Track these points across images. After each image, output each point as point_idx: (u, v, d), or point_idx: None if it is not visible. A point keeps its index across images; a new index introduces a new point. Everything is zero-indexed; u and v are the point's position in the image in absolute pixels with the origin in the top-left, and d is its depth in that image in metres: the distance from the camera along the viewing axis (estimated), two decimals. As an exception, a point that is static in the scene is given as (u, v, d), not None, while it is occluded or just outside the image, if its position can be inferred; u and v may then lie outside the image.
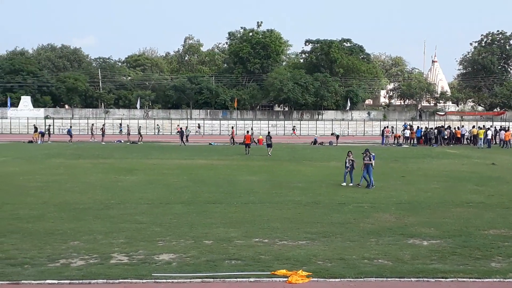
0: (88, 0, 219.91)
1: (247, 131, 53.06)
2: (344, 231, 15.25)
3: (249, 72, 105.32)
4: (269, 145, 42.95)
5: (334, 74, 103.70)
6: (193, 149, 49.65)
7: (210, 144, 57.61)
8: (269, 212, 18.25)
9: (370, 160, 24.23)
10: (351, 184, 24.70)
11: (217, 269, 11.49)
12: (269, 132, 48.24)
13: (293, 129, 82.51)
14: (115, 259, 12.16)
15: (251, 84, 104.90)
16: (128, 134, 64.93)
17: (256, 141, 56.18)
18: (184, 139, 57.42)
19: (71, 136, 61.67)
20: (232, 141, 58.17)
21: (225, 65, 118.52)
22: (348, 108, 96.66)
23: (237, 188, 23.91)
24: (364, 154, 24.53)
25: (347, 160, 24.87)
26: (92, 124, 71.52)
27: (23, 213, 17.37)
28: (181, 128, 61.74)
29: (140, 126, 69.25)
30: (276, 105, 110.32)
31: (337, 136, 61.49)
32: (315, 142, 59.54)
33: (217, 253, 12.71)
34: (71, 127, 68.46)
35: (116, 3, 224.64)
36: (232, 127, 64.59)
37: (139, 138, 61.47)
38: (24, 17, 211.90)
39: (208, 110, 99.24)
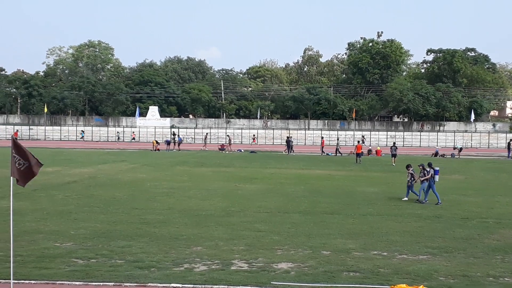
0: (212, 15, 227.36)
1: (358, 141, 55.51)
2: (467, 247, 14.74)
3: (368, 82, 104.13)
4: (394, 155, 45.52)
5: (457, 84, 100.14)
6: (310, 159, 49.81)
7: (327, 154, 57.50)
8: (388, 224, 18.00)
9: (425, 176, 23.21)
10: (405, 199, 23.85)
11: (335, 280, 11.52)
12: (394, 143, 50.27)
13: (363, 140, 79.85)
14: (236, 265, 12.52)
15: (369, 95, 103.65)
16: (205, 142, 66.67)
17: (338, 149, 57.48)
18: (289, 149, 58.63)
19: (178, 145, 63.50)
20: (336, 151, 58.04)
21: (344, 75, 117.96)
22: (471, 119, 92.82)
23: (355, 199, 23.75)
24: (421, 169, 23.56)
25: (407, 174, 24.12)
26: (206, 133, 73.86)
27: (150, 218, 18.30)
28: (288, 137, 62.25)
29: (228, 135, 71.00)
30: (396, 115, 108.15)
31: (460, 149, 59.23)
32: (436, 154, 57.76)
33: (335, 264, 12.74)
34: (178, 136, 70.65)
35: (239, 17, 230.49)
36: (322, 137, 65.36)
37: (227, 147, 62.94)
38: (153, 31, 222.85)
39: (326, 121, 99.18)
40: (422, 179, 23.25)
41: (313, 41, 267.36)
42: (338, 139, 62.75)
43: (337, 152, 57.16)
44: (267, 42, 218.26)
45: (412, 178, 23.75)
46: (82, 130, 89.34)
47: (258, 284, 11.17)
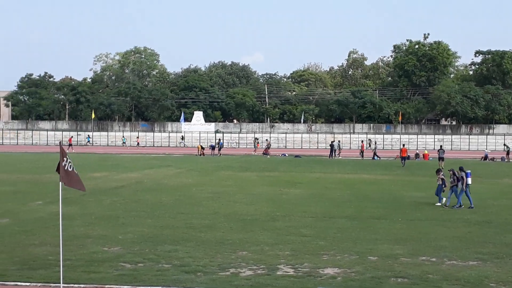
0: (256, 20, 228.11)
1: (403, 145, 54.84)
2: (519, 253, 14.33)
3: (414, 85, 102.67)
4: (441, 159, 45.45)
5: (507, 86, 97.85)
6: (356, 164, 49.39)
7: (373, 158, 56.92)
8: (436, 229, 17.66)
9: (455, 182, 22.76)
10: (439, 204, 23.17)
11: (382, 286, 11.35)
12: (441, 146, 50.80)
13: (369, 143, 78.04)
14: (282, 270, 12.46)
15: (416, 98, 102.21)
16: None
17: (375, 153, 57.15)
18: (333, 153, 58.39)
19: (219, 149, 63.68)
20: (374, 155, 57.61)
21: (389, 78, 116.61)
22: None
23: (402, 203, 23.42)
24: (451, 173, 23.05)
25: (438, 179, 23.59)
26: (256, 138, 74.04)
27: (196, 222, 18.40)
28: (332, 142, 61.82)
29: (266, 139, 71.09)
30: (443, 118, 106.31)
31: (508, 151, 57.65)
32: (485, 157, 56.47)
33: (383, 270, 12.55)
34: (220, 140, 71.08)
35: (283, 21, 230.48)
36: (362, 141, 64.60)
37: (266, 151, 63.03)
38: (198, 37, 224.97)
39: (371, 124, 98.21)
40: (452, 184, 22.87)
41: (358, 44, 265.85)
42: (375, 143, 61.94)
43: (375, 155, 56.65)
44: (311, 46, 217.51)
45: (443, 184, 23.29)
46: (88, 135, 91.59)
47: (305, 289, 11.09)
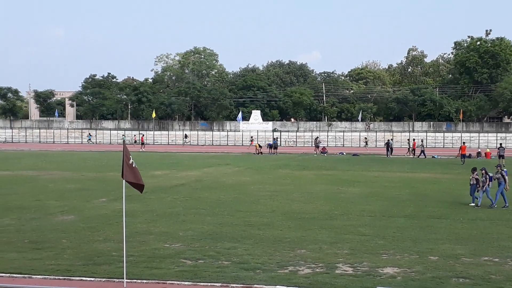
0: (314, 19, 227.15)
1: (463, 142, 53.85)
2: None
3: (476, 82, 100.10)
4: (501, 156, 45.19)
5: None
6: (415, 162, 48.61)
7: (433, 157, 55.88)
8: (499, 229, 17.27)
9: (486, 181, 22.14)
10: (472, 204, 22.48)
11: (443, 286, 11.20)
12: (501, 144, 50.35)
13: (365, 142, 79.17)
14: (340, 269, 12.46)
15: (478, 95, 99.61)
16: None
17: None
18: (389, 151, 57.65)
19: (275, 148, 63.65)
20: (414, 153, 57.13)
21: (450, 75, 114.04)
22: None
23: (463, 203, 22.94)
24: (483, 173, 22.34)
25: (471, 178, 22.86)
26: (317, 137, 73.70)
27: (254, 220, 18.58)
28: (388, 141, 60.93)
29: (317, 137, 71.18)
30: (506, 116, 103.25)
31: None
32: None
33: (443, 270, 12.38)
34: (276, 138, 71.30)
35: (340, 19, 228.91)
36: (414, 139, 63.09)
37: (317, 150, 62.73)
38: (256, 37, 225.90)
39: (431, 122, 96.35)
40: (483, 184, 22.33)
41: (417, 41, 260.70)
42: (422, 141, 60.54)
43: (422, 153, 55.60)
44: (369, 44, 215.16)
45: (477, 184, 22.64)
46: (89, 133, 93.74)
47: (363, 288, 11.07)
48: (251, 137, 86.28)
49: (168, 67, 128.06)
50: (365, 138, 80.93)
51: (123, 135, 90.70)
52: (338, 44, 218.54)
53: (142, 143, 74.02)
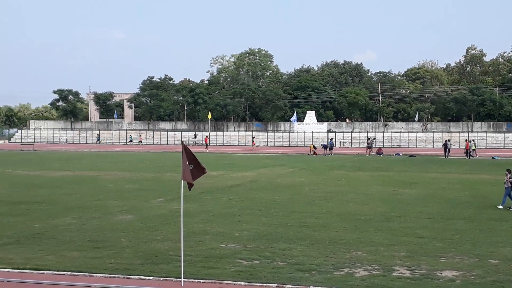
0: (369, 18, 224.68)
1: None
2: None
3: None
4: None
5: None
6: (474, 164, 47.47)
7: (493, 158, 54.46)
8: None
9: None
10: (500, 207, 21.62)
11: (504, 291, 10.94)
12: None
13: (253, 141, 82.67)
14: (397, 272, 12.30)
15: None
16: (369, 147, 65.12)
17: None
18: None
19: (330, 149, 63.18)
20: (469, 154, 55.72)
21: (510, 74, 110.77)
22: None
23: (526, 206, 22.28)
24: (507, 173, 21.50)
25: (505, 181, 21.91)
26: (373, 138, 73.12)
27: (310, 221, 18.54)
28: (446, 141, 59.63)
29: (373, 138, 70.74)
30: None
31: None
32: None
33: (504, 274, 12.07)
34: (331, 139, 71.17)
35: (395, 19, 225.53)
36: (466, 140, 61.59)
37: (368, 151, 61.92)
38: (310, 37, 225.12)
39: (491, 123, 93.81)
40: (505, 185, 21.70)
41: (476, 40, 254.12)
42: (472, 141, 58.94)
43: (467, 155, 54.41)
44: (426, 43, 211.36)
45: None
46: (97, 134, 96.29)
47: (421, 291, 10.90)
48: (253, 137, 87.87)
49: (224, 69, 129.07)
50: (368, 138, 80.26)
51: (195, 134, 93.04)
52: (394, 43, 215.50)
53: (206, 144, 74.77)
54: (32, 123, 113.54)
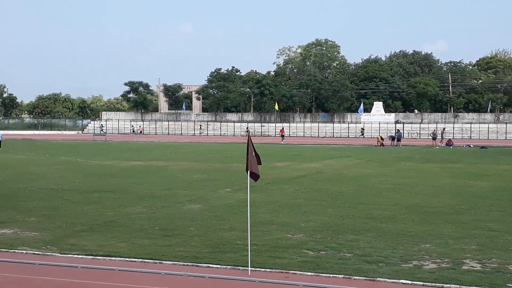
0: (438, 6, 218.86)
1: None
2: None
3: None
4: None
5: None
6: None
7: None
8: None
9: None
10: None
11: None
12: None
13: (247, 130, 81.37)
14: (467, 265, 12.04)
15: None
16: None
17: None
18: None
19: (398, 140, 62.10)
20: None
21: None
22: None
23: None
24: None
25: None
26: (443, 129, 71.61)
27: (377, 213, 18.36)
28: None
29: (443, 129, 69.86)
30: None
31: None
32: None
33: None
34: (399, 130, 70.00)
35: (466, 8, 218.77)
36: None
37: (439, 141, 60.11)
38: (378, 27, 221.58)
39: None
40: None
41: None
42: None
43: None
44: (498, 32, 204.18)
45: None
46: (101, 124, 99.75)
47: (492, 285, 10.62)
48: (247, 128, 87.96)
49: (290, 60, 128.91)
50: (362, 128, 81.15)
51: (200, 125, 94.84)
52: (465, 33, 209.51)
53: (282, 136, 73.23)
54: (104, 114, 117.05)
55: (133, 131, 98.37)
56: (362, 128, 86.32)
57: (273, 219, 17.21)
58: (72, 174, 30.16)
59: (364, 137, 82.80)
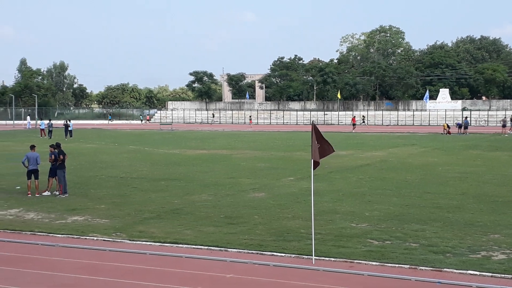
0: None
1: None
2: None
3: None
4: None
5: None
6: None
7: None
8: None
9: None
10: None
11: None
12: None
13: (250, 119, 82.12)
14: (538, 257, 11.73)
15: None
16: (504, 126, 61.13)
17: None
18: None
19: (465, 128, 60.43)
20: None
21: None
22: None
23: None
24: None
25: None
26: (505, 116, 69.42)
27: (443, 203, 18.04)
28: None
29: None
30: None
31: None
32: None
33: None
34: (466, 118, 67.84)
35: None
36: None
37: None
38: (444, 12, 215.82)
39: None
40: None
41: None
42: None
43: None
44: None
45: None
46: (110, 113, 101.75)
47: None
48: (250, 116, 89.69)
49: (353, 47, 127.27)
50: (363, 116, 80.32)
51: (213, 113, 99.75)
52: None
53: (354, 124, 71.68)
54: (170, 104, 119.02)
55: (110, 119, 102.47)
56: (363, 116, 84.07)
57: (336, 208, 17.19)
58: (140, 163, 30.92)
59: (366, 124, 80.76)
